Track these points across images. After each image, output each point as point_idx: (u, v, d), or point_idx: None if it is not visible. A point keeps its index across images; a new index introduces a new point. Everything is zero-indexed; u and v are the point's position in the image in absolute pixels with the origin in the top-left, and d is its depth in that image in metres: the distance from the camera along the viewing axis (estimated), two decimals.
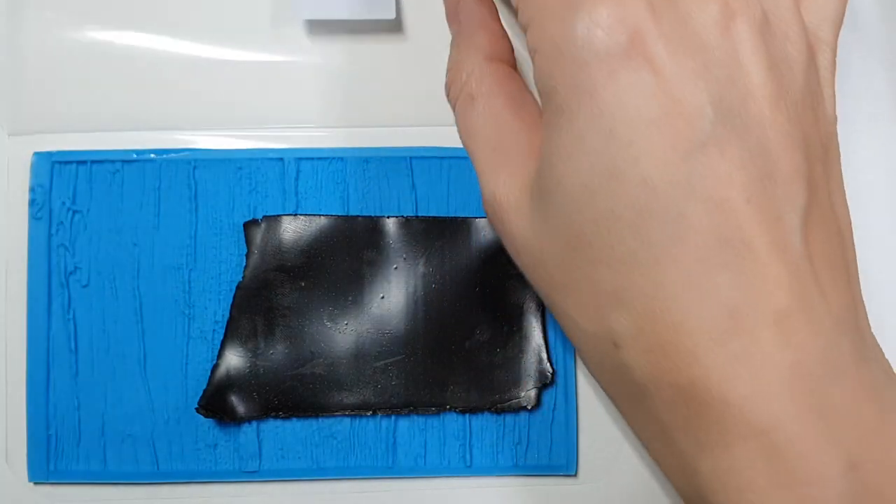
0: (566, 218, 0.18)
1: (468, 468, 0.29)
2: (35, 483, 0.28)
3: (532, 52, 0.18)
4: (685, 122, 0.16)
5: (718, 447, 0.17)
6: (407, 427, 0.29)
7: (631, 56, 0.16)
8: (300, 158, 0.29)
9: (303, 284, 0.29)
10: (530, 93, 0.21)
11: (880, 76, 0.30)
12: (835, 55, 0.20)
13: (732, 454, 0.17)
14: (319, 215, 0.29)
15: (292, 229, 0.29)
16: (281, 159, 0.29)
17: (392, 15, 0.27)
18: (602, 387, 0.20)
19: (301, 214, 0.29)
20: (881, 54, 0.30)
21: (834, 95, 0.20)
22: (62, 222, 0.29)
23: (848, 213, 0.20)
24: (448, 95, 0.22)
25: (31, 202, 0.29)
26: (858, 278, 0.19)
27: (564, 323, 0.20)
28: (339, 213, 0.29)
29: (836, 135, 0.20)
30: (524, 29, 0.18)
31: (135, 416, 0.28)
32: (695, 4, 0.17)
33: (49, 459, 0.28)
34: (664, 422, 0.18)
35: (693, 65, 0.16)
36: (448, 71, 0.22)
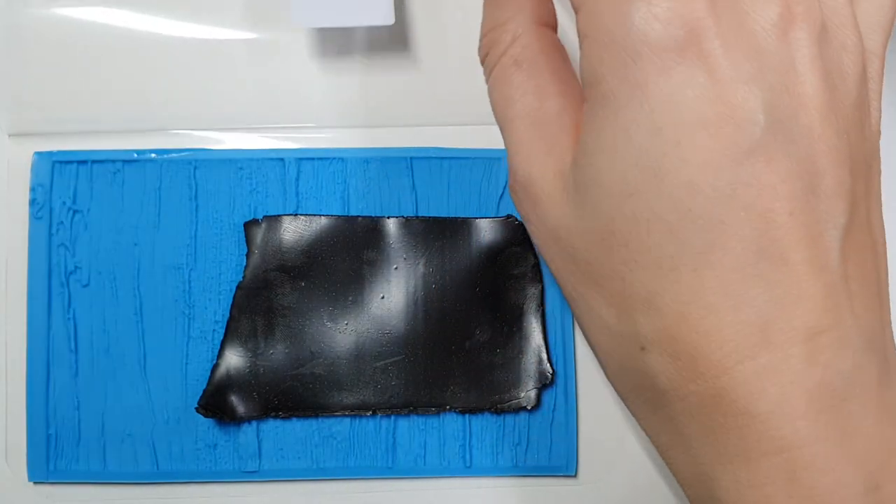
0: (603, 214, 0.17)
1: (468, 468, 0.29)
2: (35, 483, 0.28)
3: (582, 36, 0.17)
4: (736, 127, 0.16)
5: (739, 460, 0.17)
6: (407, 427, 0.29)
7: (686, 53, 0.16)
8: (301, 158, 0.29)
9: (303, 284, 0.29)
10: (573, 69, 0.20)
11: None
12: (883, 65, 0.19)
13: (753, 469, 0.17)
14: (320, 215, 0.29)
15: (293, 229, 0.29)
16: (281, 159, 0.29)
17: (391, 20, 0.27)
18: (618, 391, 0.19)
19: (301, 214, 0.29)
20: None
21: (879, 109, 0.19)
22: (62, 222, 0.29)
23: (883, 230, 0.19)
24: (484, 59, 0.20)
25: (32, 202, 0.29)
26: (888, 297, 0.19)
27: (588, 320, 0.19)
28: (340, 214, 0.29)
29: (878, 150, 0.19)
30: (576, 10, 0.17)
31: (134, 416, 0.28)
32: (756, 4, 0.16)
33: (49, 459, 0.28)
34: (684, 430, 0.18)
35: (749, 68, 0.16)
36: (487, 31, 0.20)
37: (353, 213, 0.29)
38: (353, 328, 0.29)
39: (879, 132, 0.19)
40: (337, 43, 0.30)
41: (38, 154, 0.29)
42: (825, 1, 0.18)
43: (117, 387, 0.28)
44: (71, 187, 0.29)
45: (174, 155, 0.29)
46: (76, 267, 0.29)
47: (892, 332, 0.19)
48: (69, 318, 0.28)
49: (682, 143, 0.16)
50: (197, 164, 0.29)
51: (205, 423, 0.28)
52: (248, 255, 0.29)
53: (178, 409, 0.28)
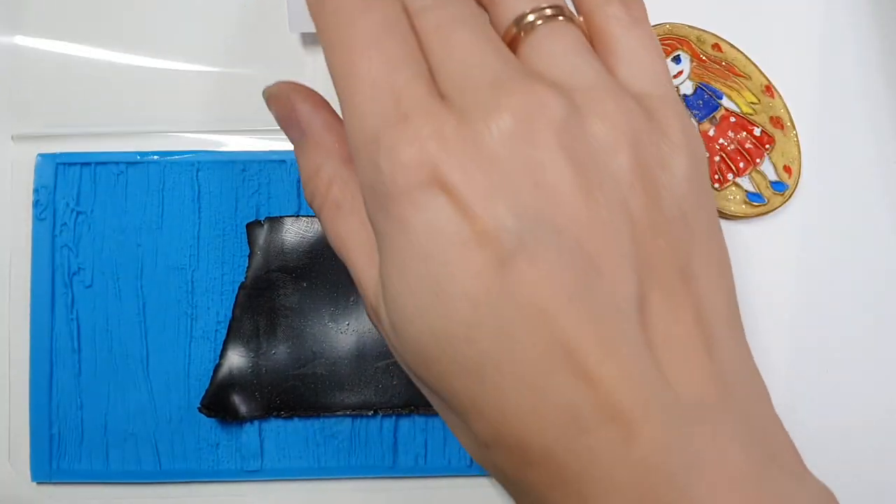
0: (411, 335, 0.18)
1: (469, 467, 0.29)
2: (38, 483, 0.28)
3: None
4: (489, 240, 0.17)
5: None
6: (408, 426, 0.29)
7: (430, 188, 0.17)
8: None
9: (305, 285, 0.29)
10: None
11: (878, 78, 0.30)
12: (681, 107, 0.19)
13: None
14: None
15: (294, 230, 0.29)
16: (283, 161, 0.29)
17: None
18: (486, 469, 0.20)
19: (303, 216, 0.29)
20: (879, 55, 0.31)
21: (691, 152, 0.19)
22: (66, 223, 0.29)
23: (722, 274, 0.19)
24: (311, 204, 0.22)
25: (35, 203, 0.29)
26: (735, 347, 0.18)
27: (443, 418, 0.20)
28: None
29: (695, 193, 0.19)
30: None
31: (137, 416, 0.29)
32: (486, 121, 0.17)
33: (52, 459, 0.28)
34: None
35: (487, 182, 0.17)
36: (306, 180, 0.22)
37: None
38: (354, 328, 0.29)
39: (696, 174, 0.18)
40: None
41: (42, 156, 0.29)
42: (578, 82, 0.18)
43: (120, 387, 0.29)
44: (74, 188, 0.29)
45: (177, 157, 0.29)
46: (79, 268, 0.29)
47: (730, 361, 0.18)
48: (72, 319, 0.29)
49: (450, 261, 0.17)
50: (200, 166, 0.29)
51: (207, 423, 0.29)
52: (250, 256, 0.29)
53: (181, 409, 0.29)
